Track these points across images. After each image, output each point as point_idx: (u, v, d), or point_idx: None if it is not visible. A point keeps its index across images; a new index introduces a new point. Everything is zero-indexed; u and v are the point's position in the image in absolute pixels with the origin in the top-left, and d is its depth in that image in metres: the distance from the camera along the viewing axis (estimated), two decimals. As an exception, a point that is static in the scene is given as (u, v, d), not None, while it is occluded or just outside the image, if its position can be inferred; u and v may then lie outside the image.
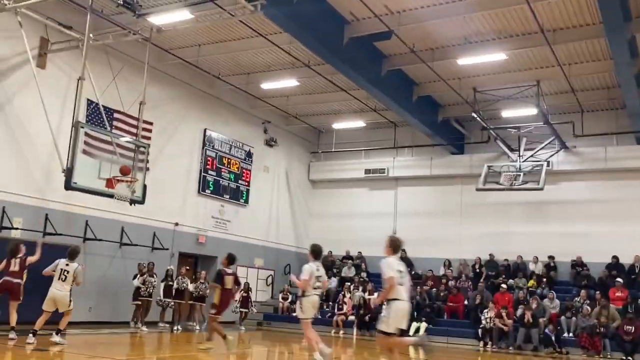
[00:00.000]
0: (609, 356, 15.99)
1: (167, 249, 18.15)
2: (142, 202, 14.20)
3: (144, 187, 14.16)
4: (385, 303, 7.63)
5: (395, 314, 7.55)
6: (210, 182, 20.33)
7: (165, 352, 11.35)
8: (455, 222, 22.40)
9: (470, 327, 18.21)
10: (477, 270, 20.93)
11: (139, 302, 16.14)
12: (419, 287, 20.23)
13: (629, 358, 15.55)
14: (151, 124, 17.24)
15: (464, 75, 18.27)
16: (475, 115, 18.68)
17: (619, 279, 17.98)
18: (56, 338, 10.75)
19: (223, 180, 20.88)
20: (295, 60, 17.49)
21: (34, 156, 14.80)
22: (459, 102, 20.17)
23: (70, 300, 11.05)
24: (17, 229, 14.28)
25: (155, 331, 15.89)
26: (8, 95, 14.36)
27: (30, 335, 10.65)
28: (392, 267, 7.65)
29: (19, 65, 14.48)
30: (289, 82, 18.94)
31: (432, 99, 20.80)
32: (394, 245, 7.95)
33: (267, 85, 19.38)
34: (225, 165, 21.02)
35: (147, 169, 14.86)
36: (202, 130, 20.11)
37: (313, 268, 9.52)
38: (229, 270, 11.74)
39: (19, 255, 11.62)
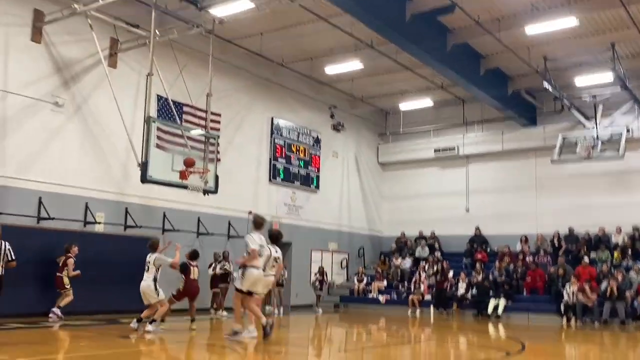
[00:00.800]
0: None
1: (243, 237, 18.50)
2: (215, 192, 14.57)
3: (216, 177, 14.51)
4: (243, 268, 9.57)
5: (248, 278, 9.46)
6: (280, 170, 20.58)
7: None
8: (531, 197, 21.77)
9: (552, 303, 17.68)
10: (556, 244, 20.29)
11: (218, 290, 16.54)
12: (496, 262, 19.85)
13: None
14: (219, 115, 17.61)
15: (533, 44, 17.62)
16: (547, 85, 18.02)
17: None
18: (150, 327, 11.15)
19: (293, 167, 21.09)
20: (358, 41, 17.37)
21: (112, 153, 15.44)
22: (529, 73, 19.50)
23: (157, 290, 11.35)
24: (99, 223, 14.97)
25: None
26: (84, 95, 15.02)
27: (134, 320, 11.30)
28: (254, 241, 9.49)
29: (92, 66, 15.11)
30: (353, 65, 18.81)
31: (501, 71, 20.19)
32: (257, 223, 9.93)
33: (331, 70, 19.35)
34: (294, 152, 21.22)
35: (218, 159, 15.22)
36: (269, 118, 20.36)
37: (255, 237, 9.74)
38: (194, 263, 12.42)
39: (67, 254, 13.19)
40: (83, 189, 14.73)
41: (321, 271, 19.59)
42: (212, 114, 15.58)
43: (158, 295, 11.34)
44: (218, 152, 15.44)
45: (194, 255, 12.61)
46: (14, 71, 13.67)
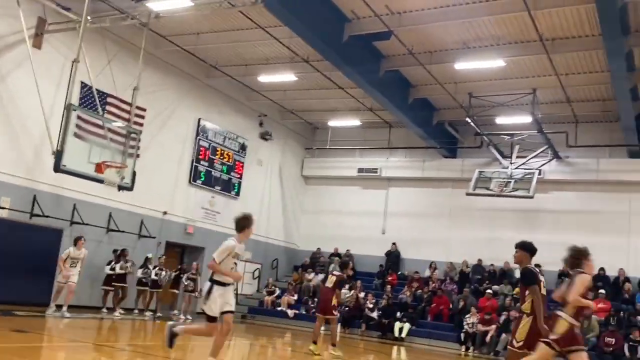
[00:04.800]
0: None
1: (154, 237, 18.08)
2: (130, 188, 14.17)
3: (134, 173, 14.13)
4: None
5: None
6: (202, 173, 20.26)
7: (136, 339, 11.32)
8: (445, 225, 22.44)
9: (454, 331, 18.23)
10: (465, 273, 20.95)
11: (112, 288, 15.85)
12: (405, 287, 20.27)
13: (609, 370, 15.63)
14: (144, 110, 17.16)
15: (460, 80, 18.25)
16: (469, 120, 18.74)
17: (602, 291, 17.92)
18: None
19: (215, 171, 20.81)
20: (295, 55, 17.43)
21: (26, 136, 14.71)
22: (454, 106, 20.16)
23: None
24: (4, 208, 14.19)
25: (133, 318, 15.85)
26: (2, 73, 14.27)
27: None
28: None
29: (15, 44, 14.40)
30: (287, 77, 18.85)
31: (428, 101, 20.81)
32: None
33: (264, 78, 19.30)
34: (218, 156, 20.95)
35: (138, 155, 14.80)
36: (196, 119, 20.03)
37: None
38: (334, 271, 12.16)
39: None
40: (-11, 171, 13.97)
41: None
42: (138, 108, 15.22)
43: None
44: (138, 148, 15.01)
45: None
46: None
